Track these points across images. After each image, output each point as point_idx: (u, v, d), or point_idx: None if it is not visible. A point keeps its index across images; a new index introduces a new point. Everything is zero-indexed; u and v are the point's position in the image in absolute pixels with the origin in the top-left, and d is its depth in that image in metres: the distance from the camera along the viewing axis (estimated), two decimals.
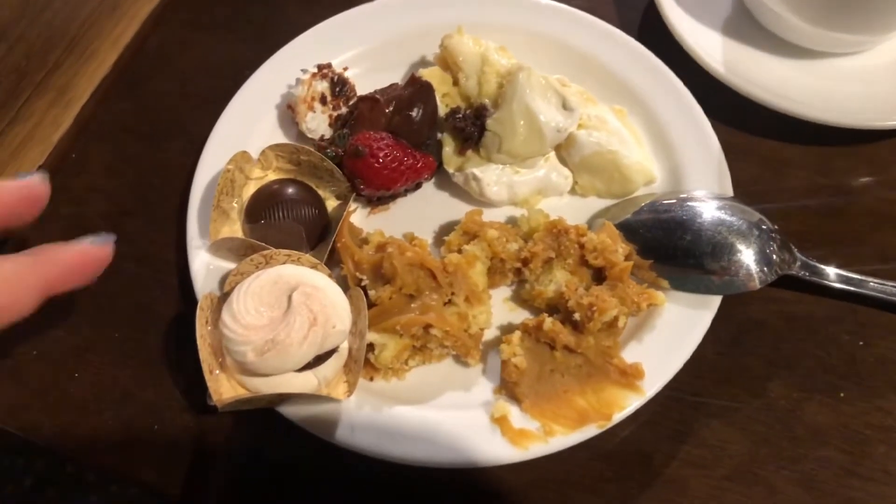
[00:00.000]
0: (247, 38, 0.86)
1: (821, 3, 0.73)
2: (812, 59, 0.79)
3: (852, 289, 0.68)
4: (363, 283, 0.66)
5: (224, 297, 0.64)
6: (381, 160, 0.70)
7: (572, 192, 0.74)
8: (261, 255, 0.65)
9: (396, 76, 0.80)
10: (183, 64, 0.85)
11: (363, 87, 0.77)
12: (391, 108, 0.72)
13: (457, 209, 0.74)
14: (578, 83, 0.77)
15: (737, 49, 0.80)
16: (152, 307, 0.71)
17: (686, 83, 0.76)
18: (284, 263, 0.65)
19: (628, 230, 0.70)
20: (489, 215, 0.73)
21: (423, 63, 0.81)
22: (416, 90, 0.72)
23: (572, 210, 0.74)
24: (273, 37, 0.82)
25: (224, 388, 0.62)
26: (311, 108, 0.74)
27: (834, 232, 0.73)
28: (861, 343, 0.68)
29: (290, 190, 0.71)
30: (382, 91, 0.74)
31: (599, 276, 0.67)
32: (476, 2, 0.81)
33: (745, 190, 0.72)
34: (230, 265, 0.69)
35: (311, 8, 0.86)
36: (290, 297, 0.61)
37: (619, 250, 0.66)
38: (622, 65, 0.78)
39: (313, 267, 0.66)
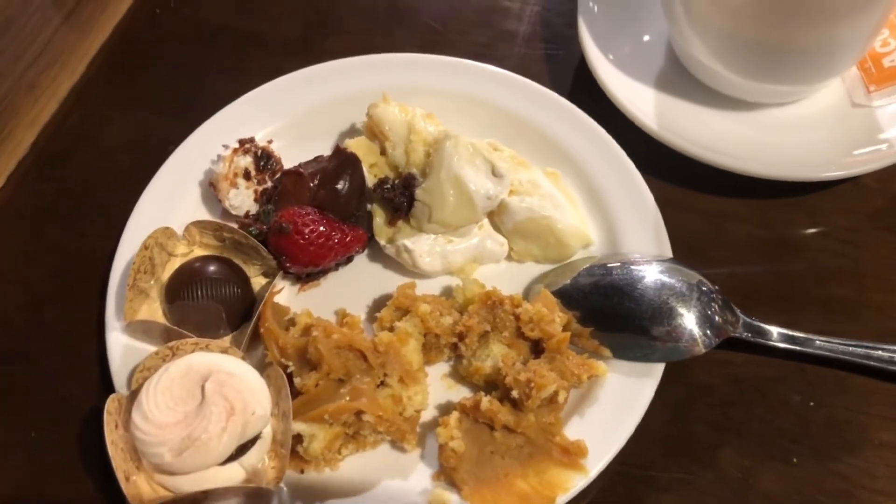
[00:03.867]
0: (171, 112, 0.83)
1: (750, 56, 0.72)
2: (747, 111, 0.78)
3: (798, 348, 0.66)
4: (289, 370, 0.62)
5: (133, 395, 0.60)
6: (306, 236, 0.67)
7: (509, 258, 0.72)
8: (167, 346, 0.62)
9: (325, 145, 0.78)
10: (105, 142, 0.82)
11: (291, 157, 0.75)
12: (316, 182, 0.69)
13: (391, 281, 0.71)
14: (511, 146, 0.75)
15: (670, 103, 0.78)
16: (71, 401, 0.68)
17: (621, 140, 0.75)
18: (192, 352, 0.61)
19: (567, 297, 0.67)
20: (424, 286, 0.70)
21: (352, 130, 0.79)
22: (342, 162, 0.70)
23: (509, 277, 0.71)
24: (199, 110, 0.79)
25: (144, 492, 0.58)
26: (234, 185, 0.71)
27: (777, 288, 0.71)
28: (811, 404, 0.66)
29: (212, 268, 0.68)
30: (307, 164, 0.72)
31: (537, 347, 0.65)
32: (402, 66, 0.79)
33: (685, 248, 0.70)
34: (150, 349, 0.65)
35: (237, 78, 0.83)
36: (203, 388, 0.58)
37: (557, 320, 0.64)
38: (554, 125, 0.76)
39: (224, 352, 0.62)
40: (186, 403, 0.57)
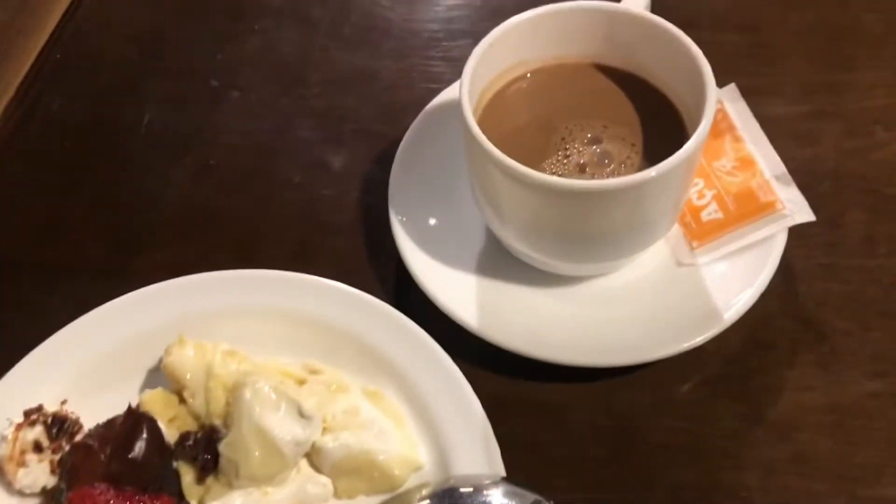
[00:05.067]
0: None
1: (560, 245, 0.70)
2: (571, 285, 0.75)
3: None
4: None
5: None
6: None
7: (336, 496, 0.66)
8: None
9: (130, 390, 0.72)
10: None
11: (92, 412, 0.68)
12: (108, 452, 0.63)
13: None
14: (331, 362, 0.70)
15: (493, 292, 0.75)
16: None
17: (446, 340, 0.70)
18: None
19: None
20: None
21: (158, 369, 0.72)
22: (134, 424, 0.64)
23: None
24: None
25: None
26: (23, 464, 0.64)
27: (622, 480, 0.67)
28: None
29: None
30: (98, 430, 0.66)
31: None
32: (204, 290, 0.74)
33: (524, 452, 0.66)
34: None
35: (40, 317, 0.76)
36: None
37: None
38: (375, 335, 0.71)
39: None
40: None
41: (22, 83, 0.99)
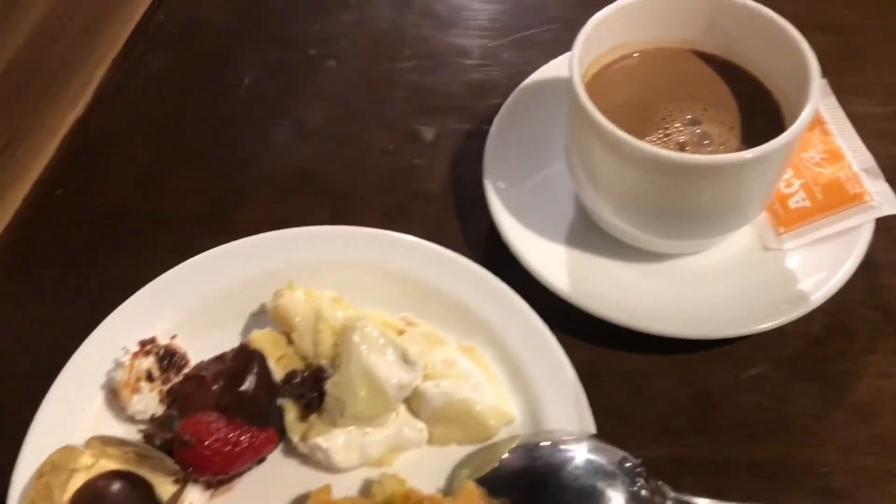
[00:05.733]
0: (69, 306, 0.79)
1: (653, 218, 0.73)
2: (658, 262, 0.78)
3: None
4: None
5: None
6: (211, 447, 0.64)
7: (430, 443, 0.69)
8: None
9: (233, 331, 0.75)
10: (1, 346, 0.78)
11: (197, 349, 0.72)
12: (219, 385, 0.66)
13: (307, 478, 0.67)
14: (426, 318, 0.73)
15: (583, 261, 0.77)
16: None
17: (537, 305, 0.73)
18: None
19: (492, 485, 0.64)
20: (342, 480, 0.67)
21: (261, 312, 0.76)
22: (245, 361, 0.67)
23: (431, 463, 0.68)
24: (105, 301, 0.74)
25: None
26: (137, 391, 0.68)
27: (703, 453, 0.69)
28: None
29: (116, 487, 0.64)
30: (209, 364, 0.69)
31: None
32: (311, 242, 0.77)
33: (608, 416, 0.68)
34: None
35: (145, 262, 0.79)
36: None
37: None
38: (469, 295, 0.74)
39: None
40: None
41: (127, 42, 1.03)
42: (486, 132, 0.85)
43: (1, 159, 0.90)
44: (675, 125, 0.74)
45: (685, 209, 0.71)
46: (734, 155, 0.66)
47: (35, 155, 0.92)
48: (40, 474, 0.62)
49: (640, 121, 0.74)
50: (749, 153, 0.65)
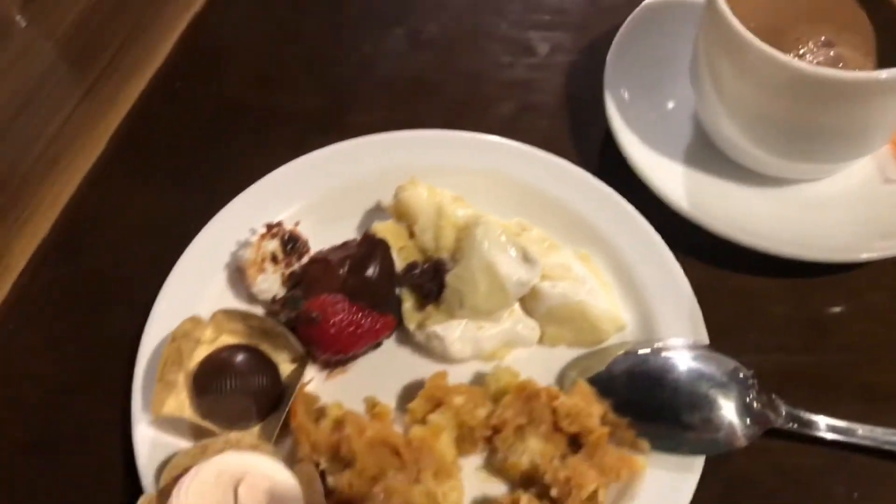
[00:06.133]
0: (193, 190, 0.82)
1: (780, 136, 0.72)
2: (775, 187, 0.77)
3: (841, 438, 0.64)
4: (321, 468, 0.61)
5: (162, 494, 0.59)
6: (335, 326, 0.66)
7: (540, 342, 0.71)
8: (197, 445, 0.61)
9: (350, 224, 0.77)
10: (126, 221, 0.81)
11: (316, 238, 0.74)
12: (345, 269, 0.68)
13: (420, 366, 0.70)
14: (540, 225, 0.74)
15: (699, 179, 0.77)
16: (95, 497, 0.66)
17: (651, 219, 0.74)
18: (222, 451, 0.60)
19: (601, 385, 0.66)
20: (454, 371, 0.69)
21: (378, 209, 0.78)
22: (371, 248, 0.69)
23: (541, 361, 0.70)
24: (221, 187, 0.78)
25: None
26: (262, 270, 0.70)
27: (815, 373, 0.70)
28: (856, 495, 0.64)
29: (240, 358, 0.67)
30: (334, 250, 0.71)
31: (575, 441, 0.63)
32: (428, 144, 0.79)
33: (719, 331, 0.69)
34: (178, 443, 0.65)
35: (259, 153, 0.83)
36: (235, 491, 0.56)
37: (595, 413, 0.62)
38: (584, 204, 0.75)
39: (253, 449, 0.61)
40: None
41: None
42: (602, 49, 0.85)
43: (119, 55, 0.93)
44: (809, 46, 0.72)
45: (814, 129, 0.70)
46: (872, 73, 0.65)
47: (153, 50, 0.94)
48: (173, 338, 0.65)
49: (772, 42, 0.72)
50: (885, 73, 0.64)
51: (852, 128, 0.70)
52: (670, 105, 0.82)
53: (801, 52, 0.72)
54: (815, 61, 0.71)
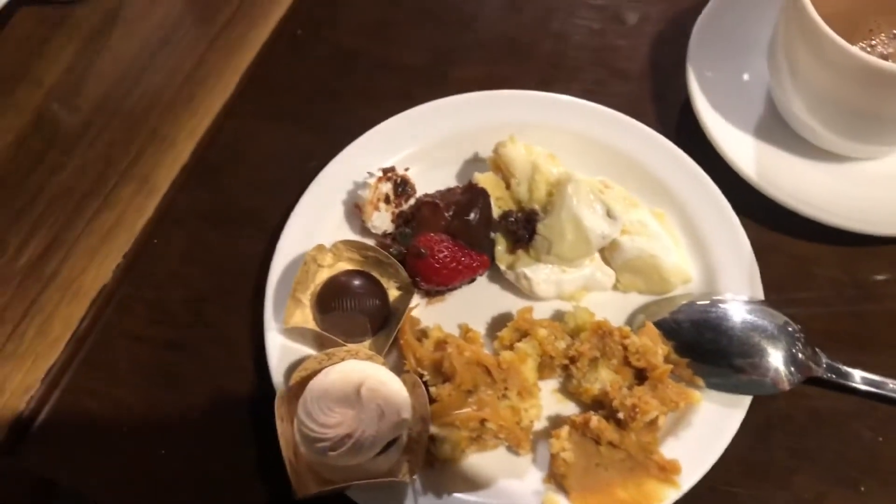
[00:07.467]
0: (312, 129, 0.92)
1: (848, 120, 0.79)
2: (838, 163, 0.85)
3: (873, 389, 0.74)
4: (424, 379, 0.72)
5: (290, 391, 0.71)
6: (440, 261, 0.77)
7: (614, 287, 0.81)
8: (324, 353, 0.72)
9: (452, 172, 0.87)
10: (254, 154, 0.92)
11: (422, 182, 0.84)
12: (450, 213, 0.78)
13: (507, 301, 0.81)
14: (621, 184, 0.83)
15: (768, 152, 0.85)
16: (229, 389, 0.79)
17: (720, 184, 0.82)
18: (344, 359, 0.71)
19: (666, 329, 0.76)
20: (538, 307, 0.79)
21: (476, 160, 0.87)
22: (473, 196, 0.79)
23: (614, 304, 0.80)
24: (336, 129, 0.88)
25: (306, 482, 0.69)
26: (377, 209, 0.81)
27: (855, 332, 0.79)
28: (880, 439, 0.74)
29: (357, 282, 0.78)
30: (442, 195, 0.81)
31: (640, 374, 0.74)
32: (526, 104, 0.88)
33: (773, 288, 0.78)
34: (302, 349, 0.77)
35: (370, 100, 0.93)
36: (358, 393, 0.67)
37: (660, 352, 0.73)
38: (661, 167, 0.84)
39: (369, 359, 0.72)
40: (344, 406, 0.67)
41: None
42: (686, 22, 0.92)
43: (243, 6, 1.03)
44: (881, 37, 0.79)
45: (876, 116, 0.78)
46: None
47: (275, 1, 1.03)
48: (304, 262, 0.77)
49: (845, 33, 0.79)
50: None
51: None
52: (747, 81, 0.90)
53: (873, 42, 0.79)
54: (885, 52, 0.78)
